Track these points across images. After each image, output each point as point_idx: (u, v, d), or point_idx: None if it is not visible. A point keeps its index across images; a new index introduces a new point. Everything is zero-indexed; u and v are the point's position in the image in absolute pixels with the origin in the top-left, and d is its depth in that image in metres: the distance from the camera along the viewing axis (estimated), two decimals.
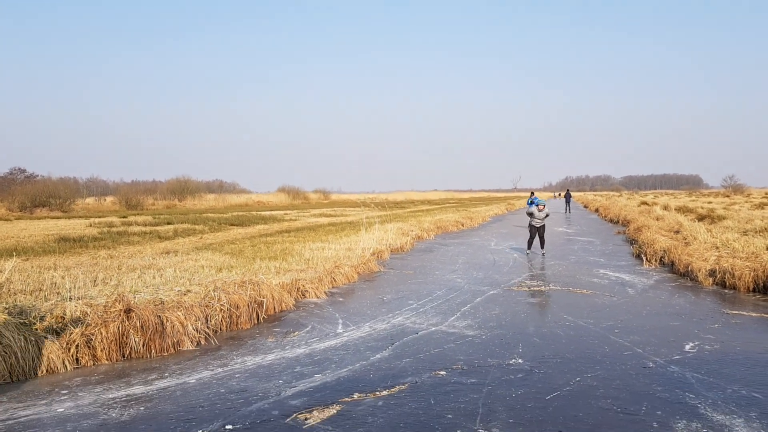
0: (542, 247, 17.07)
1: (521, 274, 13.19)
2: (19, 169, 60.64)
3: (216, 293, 8.30)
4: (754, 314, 8.72)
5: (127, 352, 6.86)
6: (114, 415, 5.06)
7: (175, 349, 7.14)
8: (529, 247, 17.43)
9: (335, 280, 11.72)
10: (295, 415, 4.98)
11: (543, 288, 11.22)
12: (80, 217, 37.09)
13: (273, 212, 40.96)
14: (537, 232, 17.03)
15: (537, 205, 16.98)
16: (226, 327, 8.11)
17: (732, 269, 11.16)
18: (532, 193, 27.64)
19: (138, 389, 5.73)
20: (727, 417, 4.80)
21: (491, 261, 15.62)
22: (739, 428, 4.57)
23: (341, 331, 7.97)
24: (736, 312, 8.90)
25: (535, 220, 17.02)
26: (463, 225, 30.13)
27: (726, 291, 10.77)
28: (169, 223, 26.65)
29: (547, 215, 16.92)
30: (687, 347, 6.96)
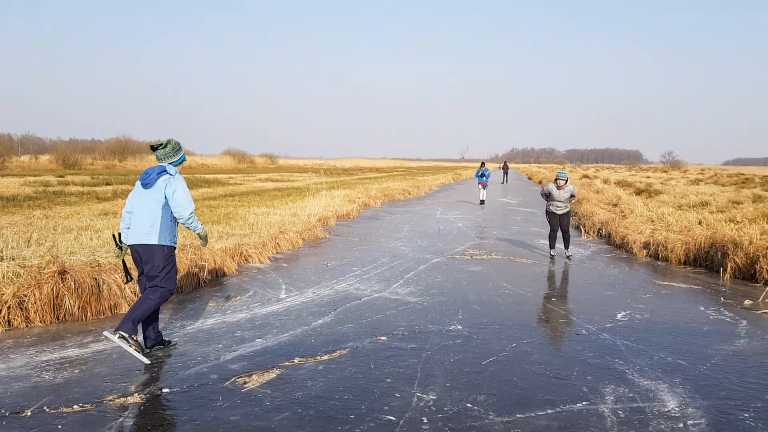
0: (567, 246, 11.55)
1: (464, 243, 13.38)
2: None
3: None
4: (683, 285, 9.11)
5: (62, 314, 6.69)
6: (47, 377, 4.94)
7: (112, 312, 7.00)
8: (552, 245, 11.73)
9: (279, 246, 11.65)
10: (234, 378, 4.97)
11: (485, 257, 11.42)
12: (14, 175, 35.65)
13: (217, 176, 40.24)
14: (560, 222, 11.48)
15: (558, 180, 11.38)
16: None
17: (665, 242, 11.60)
18: (483, 164, 25.19)
19: (72, 352, 5.60)
20: (653, 382, 5.03)
21: (436, 230, 15.78)
22: (664, 393, 4.79)
23: (284, 296, 7.96)
24: (667, 283, 9.28)
25: (555, 203, 11.47)
26: (410, 193, 30.29)
27: (659, 263, 11.19)
28: (108, 184, 25.88)
29: (572, 196, 11.46)
30: (619, 316, 7.23)
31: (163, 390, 4.72)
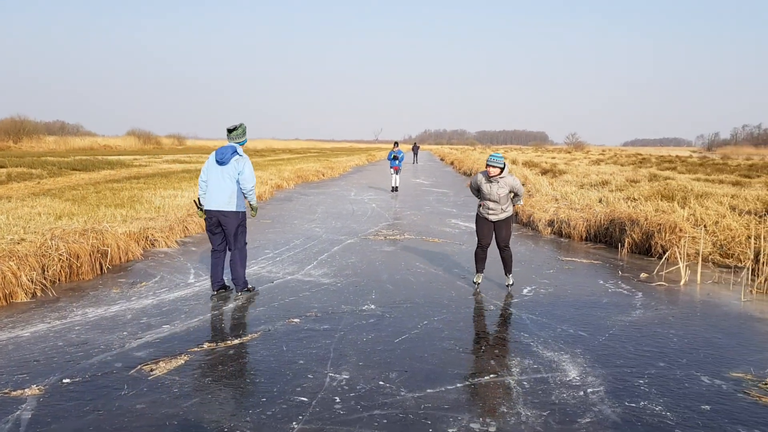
0: (508, 269, 7.72)
1: (378, 223, 13.47)
2: None
3: (54, 242, 7.72)
4: (584, 261, 9.54)
5: None
6: None
7: (7, 301, 6.59)
8: (478, 267, 7.80)
9: (188, 229, 11.32)
10: (139, 366, 4.81)
11: (398, 237, 11.54)
12: None
13: (121, 157, 38.57)
14: (495, 234, 7.66)
15: (489, 167, 7.33)
16: (66, 278, 7.60)
17: (568, 220, 12.11)
18: (396, 144, 22.78)
19: None
20: (556, 353, 5.26)
21: (350, 211, 15.80)
22: (566, 363, 5.02)
23: (193, 281, 7.75)
24: (570, 259, 9.70)
25: (488, 204, 7.51)
26: (323, 175, 30.13)
27: (562, 240, 11.68)
28: (1, 167, 24.28)
29: (515, 195, 7.62)
30: (524, 291, 7.49)
31: (64, 380, 4.50)
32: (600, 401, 4.28)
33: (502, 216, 7.52)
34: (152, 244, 9.85)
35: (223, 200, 6.83)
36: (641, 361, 5.12)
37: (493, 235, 7.64)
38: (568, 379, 4.69)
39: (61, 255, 7.56)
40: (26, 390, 4.33)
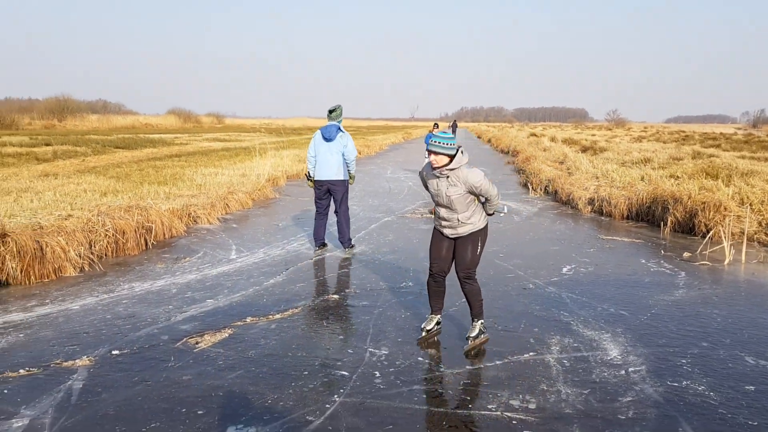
0: (474, 313, 5.01)
1: (415, 201, 13.47)
2: None
3: (100, 218, 7.93)
4: (626, 239, 9.41)
5: (4, 278, 6.48)
6: None
7: (56, 275, 6.82)
8: (432, 305, 5.16)
9: (229, 207, 11.50)
10: (185, 339, 4.94)
11: (432, 215, 11.51)
12: None
13: (162, 135, 39.19)
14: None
15: (431, 152, 4.82)
16: (112, 253, 7.82)
17: (609, 198, 11.93)
18: (436, 125, 18.27)
19: (16, 316, 5.46)
20: (596, 332, 5.23)
21: (387, 189, 15.82)
22: (606, 342, 4.99)
23: (234, 257, 7.89)
24: (610, 237, 9.57)
25: (440, 215, 4.91)
26: (360, 153, 30.16)
27: (603, 218, 11.52)
28: (47, 145, 24.92)
29: (486, 200, 4.90)
30: (564, 270, 7.44)
31: (113, 352, 4.66)
32: (641, 380, 4.25)
33: (462, 230, 4.85)
34: (194, 221, 10.04)
35: (332, 171, 8.00)
36: (684, 341, 5.06)
37: (449, 255, 5.03)
38: (608, 358, 4.66)
39: (107, 231, 7.77)
40: (77, 361, 4.49)
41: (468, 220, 4.83)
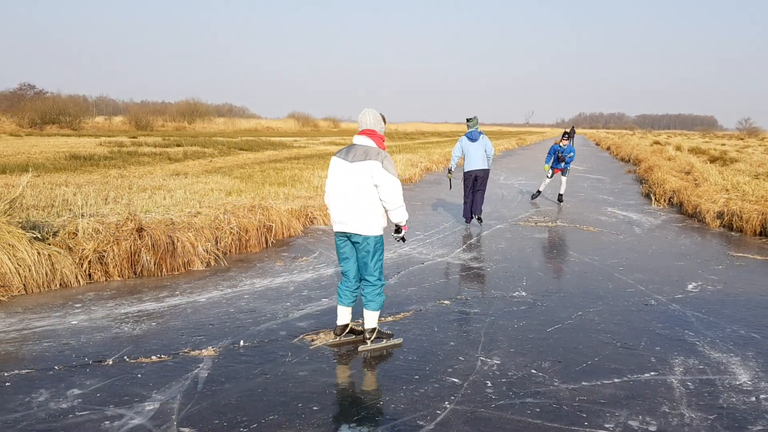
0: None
1: (528, 209, 13.21)
2: (29, 85, 60.24)
3: (226, 216, 8.38)
4: (759, 257, 8.76)
5: (139, 269, 7.00)
6: (126, 329, 5.21)
7: (185, 268, 7.27)
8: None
9: None
10: (302, 336, 5.12)
11: (550, 224, 11.26)
12: (90, 135, 37.07)
13: (282, 138, 40.79)
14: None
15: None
16: (236, 250, 8.24)
17: (740, 212, 11.14)
18: (567, 135, 13.89)
19: (149, 305, 5.88)
20: (724, 355, 4.90)
21: (499, 195, 15.62)
22: (735, 366, 4.68)
23: None
24: (741, 254, 8.94)
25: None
26: None
27: (732, 233, 10.78)
28: (178, 145, 26.63)
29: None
30: (689, 287, 7.03)
31: (235, 344, 4.91)
32: None
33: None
34: (311, 221, 10.38)
35: (479, 163, 10.54)
36: None
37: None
38: (738, 382, 4.36)
39: (232, 228, 8.20)
40: (203, 351, 4.77)
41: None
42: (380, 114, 4.93)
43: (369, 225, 4.71)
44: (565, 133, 13.94)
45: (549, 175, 14.12)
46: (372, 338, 4.92)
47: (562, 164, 13.85)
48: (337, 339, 4.99)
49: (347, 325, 5.02)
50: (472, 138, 10.50)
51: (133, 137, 33.79)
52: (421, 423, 3.67)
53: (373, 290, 4.87)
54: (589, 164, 29.34)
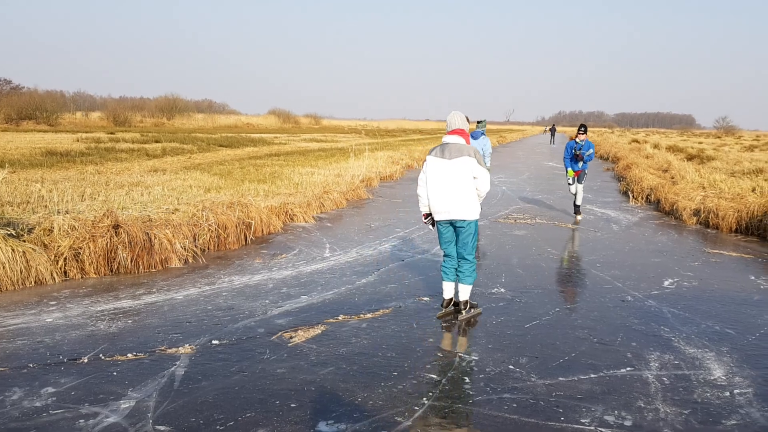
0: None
1: (508, 206, 13.28)
2: (5, 80, 59.41)
3: (204, 213, 8.32)
4: (734, 254, 8.89)
5: (115, 267, 6.93)
6: (102, 326, 5.15)
7: (162, 265, 7.21)
8: None
9: (324, 206, 11.75)
10: (280, 333, 5.10)
11: (529, 221, 11.32)
12: (67, 131, 36.60)
13: (263, 135, 40.59)
14: None
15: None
16: (214, 247, 8.18)
17: (716, 209, 11.29)
18: (582, 130, 11.58)
19: (126, 303, 5.82)
20: (699, 350, 4.97)
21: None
22: (710, 361, 4.74)
23: (328, 255, 8.06)
24: (717, 251, 9.06)
25: None
26: None
27: (709, 230, 10.92)
28: (157, 141, 26.38)
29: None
30: (666, 283, 7.11)
31: (213, 342, 4.87)
32: (747, 404, 4.00)
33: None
34: (291, 219, 10.34)
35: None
36: None
37: None
38: (712, 378, 4.42)
39: (210, 225, 8.14)
40: (180, 348, 4.73)
41: None
42: (465, 115, 5.72)
43: (471, 211, 5.46)
44: (582, 126, 11.52)
45: (571, 182, 11.63)
46: (467, 308, 5.66)
47: (580, 164, 11.51)
48: (443, 310, 5.74)
49: (452, 299, 5.77)
50: (474, 137, 10.41)
51: (111, 133, 33.39)
52: (398, 419, 3.67)
53: (470, 267, 5.61)
54: None
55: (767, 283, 7.25)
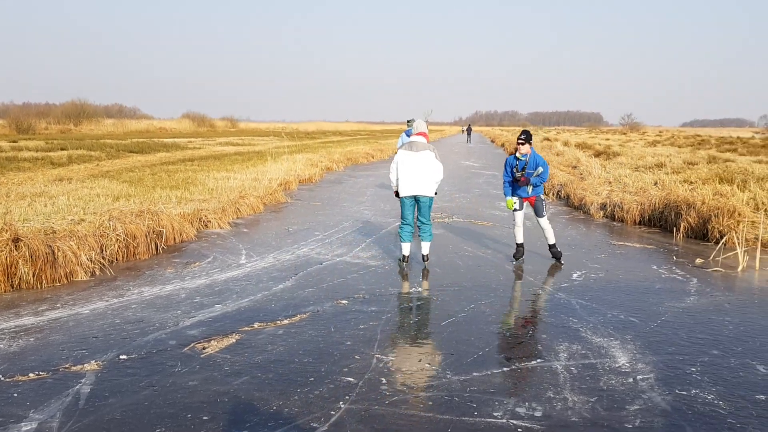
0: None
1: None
2: None
3: (112, 223, 7.99)
4: (637, 245, 9.34)
5: (17, 282, 6.55)
6: (1, 346, 4.86)
7: (68, 279, 6.87)
8: None
9: (240, 211, 11.54)
10: (192, 344, 4.96)
11: (446, 220, 11.51)
12: None
13: (176, 140, 39.44)
14: None
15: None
16: (123, 257, 7.87)
17: (621, 203, 11.84)
18: (523, 138, 7.94)
19: (28, 320, 5.51)
20: (605, 339, 5.18)
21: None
22: (615, 350, 4.95)
23: (244, 261, 7.92)
24: (622, 243, 9.50)
25: None
26: (373, 157, 30.20)
27: (615, 223, 11.44)
28: (63, 149, 25.15)
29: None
30: (574, 276, 7.39)
31: (121, 357, 4.68)
32: (650, 388, 4.20)
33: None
34: (205, 225, 10.09)
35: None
36: (694, 348, 5.00)
37: None
38: (617, 365, 4.62)
39: (118, 235, 7.83)
40: (85, 365, 4.52)
41: None
42: (426, 122, 8.14)
43: (431, 189, 7.51)
44: (523, 133, 8.11)
45: (516, 208, 8.16)
46: (428, 260, 7.78)
47: (530, 189, 8.04)
48: (405, 263, 7.75)
49: (408, 255, 7.76)
50: (407, 135, 10.58)
51: (13, 141, 31.59)
52: (314, 425, 3.64)
53: (429, 228, 7.73)
54: (485, 161, 30.27)
55: (668, 272, 7.65)
